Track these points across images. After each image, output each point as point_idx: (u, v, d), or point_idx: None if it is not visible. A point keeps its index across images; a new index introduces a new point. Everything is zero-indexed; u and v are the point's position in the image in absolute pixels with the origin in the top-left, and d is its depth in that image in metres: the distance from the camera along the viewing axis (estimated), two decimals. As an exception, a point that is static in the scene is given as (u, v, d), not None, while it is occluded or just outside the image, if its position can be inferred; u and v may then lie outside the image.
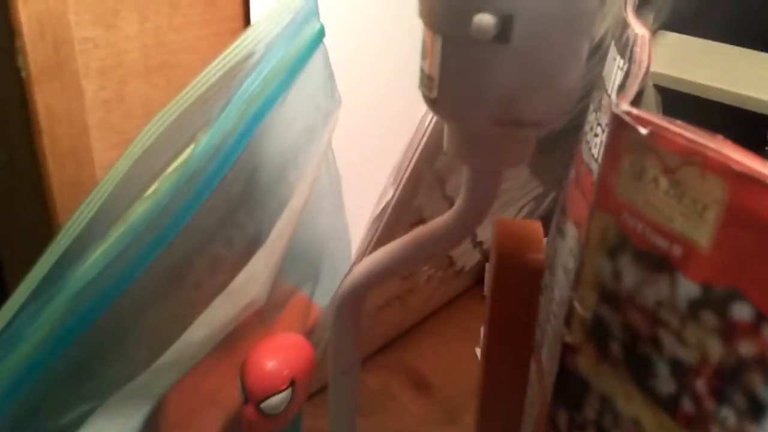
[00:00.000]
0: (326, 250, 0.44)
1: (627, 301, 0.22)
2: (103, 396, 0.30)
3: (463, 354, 0.53)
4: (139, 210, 0.28)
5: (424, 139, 0.36)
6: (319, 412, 0.36)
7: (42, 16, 0.32)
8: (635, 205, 0.20)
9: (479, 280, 0.60)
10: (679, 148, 0.19)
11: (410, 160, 0.37)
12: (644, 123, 0.20)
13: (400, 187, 0.38)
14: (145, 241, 0.28)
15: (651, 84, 0.47)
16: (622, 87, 0.22)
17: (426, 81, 0.21)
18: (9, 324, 0.28)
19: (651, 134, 0.19)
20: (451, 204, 0.46)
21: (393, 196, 0.38)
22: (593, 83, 0.32)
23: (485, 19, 0.18)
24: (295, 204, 0.36)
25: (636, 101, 0.22)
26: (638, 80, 0.23)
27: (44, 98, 0.33)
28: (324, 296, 0.43)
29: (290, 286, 0.42)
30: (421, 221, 0.43)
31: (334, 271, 0.44)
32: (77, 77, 0.34)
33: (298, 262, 0.42)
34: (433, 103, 0.21)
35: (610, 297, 0.22)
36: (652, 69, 0.47)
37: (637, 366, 0.22)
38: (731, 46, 0.47)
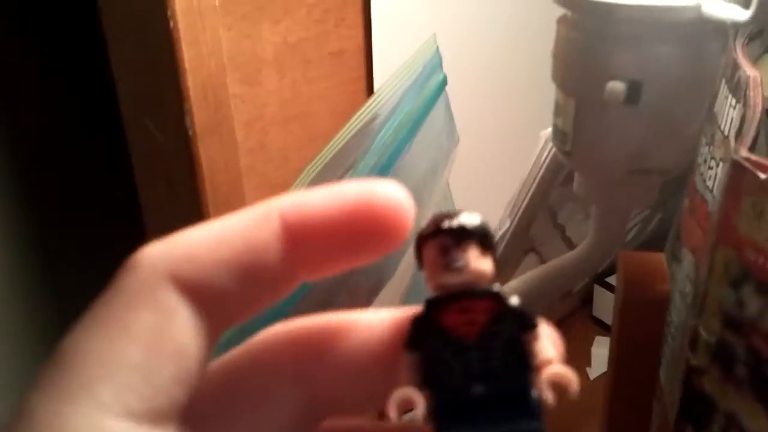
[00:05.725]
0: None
1: (750, 327, 0.24)
2: None
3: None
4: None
5: (540, 175, 0.38)
6: None
7: (205, 81, 0.36)
8: (757, 242, 0.23)
9: (586, 302, 0.61)
10: (797, 191, 0.21)
11: (526, 195, 0.39)
12: (763, 169, 0.22)
13: (516, 218, 0.41)
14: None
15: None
16: (739, 132, 0.24)
17: (560, 135, 0.24)
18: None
19: (770, 179, 0.22)
20: (563, 232, 0.48)
21: (509, 226, 0.41)
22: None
23: (617, 86, 0.20)
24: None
25: (753, 145, 0.24)
26: (754, 125, 0.25)
27: (207, 151, 0.37)
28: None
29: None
30: (532, 249, 0.45)
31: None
32: (233, 131, 0.38)
33: (423, 293, 0.45)
34: (566, 155, 0.24)
35: (734, 323, 0.24)
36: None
37: (761, 386, 0.24)
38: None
